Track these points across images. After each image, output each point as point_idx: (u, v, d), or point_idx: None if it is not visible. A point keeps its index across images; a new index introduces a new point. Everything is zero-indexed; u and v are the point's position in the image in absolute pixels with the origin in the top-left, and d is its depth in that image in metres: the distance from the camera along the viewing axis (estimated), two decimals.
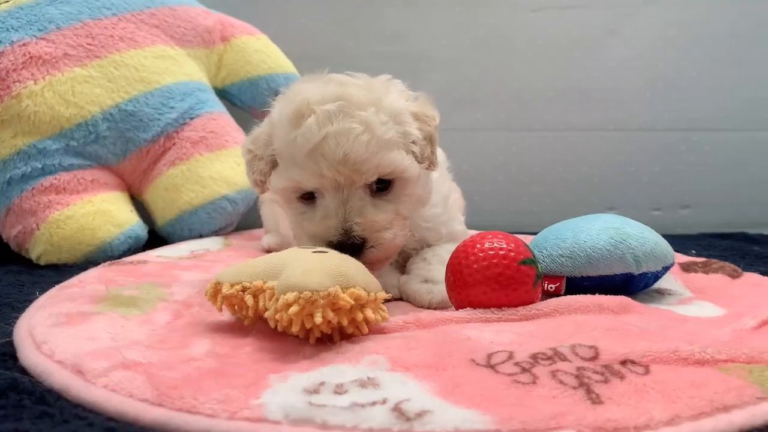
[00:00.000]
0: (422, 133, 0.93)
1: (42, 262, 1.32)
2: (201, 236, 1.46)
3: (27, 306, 0.92)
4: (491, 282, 0.80)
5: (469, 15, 1.82)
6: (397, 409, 0.54)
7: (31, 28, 1.36)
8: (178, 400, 0.57)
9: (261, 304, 0.72)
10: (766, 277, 1.03)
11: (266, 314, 0.70)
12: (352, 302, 0.69)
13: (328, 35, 1.81)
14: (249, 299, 0.72)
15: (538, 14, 1.81)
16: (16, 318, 0.87)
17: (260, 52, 1.64)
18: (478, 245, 0.83)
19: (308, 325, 0.67)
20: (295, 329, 0.67)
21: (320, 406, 0.55)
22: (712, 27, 1.80)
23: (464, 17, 1.82)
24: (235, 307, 0.76)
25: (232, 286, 0.74)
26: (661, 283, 1.01)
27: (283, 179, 0.90)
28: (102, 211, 1.35)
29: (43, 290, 0.98)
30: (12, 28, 1.35)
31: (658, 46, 1.81)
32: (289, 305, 0.66)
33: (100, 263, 1.21)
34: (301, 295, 0.66)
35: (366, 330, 0.72)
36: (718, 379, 0.61)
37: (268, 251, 1.32)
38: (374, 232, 0.86)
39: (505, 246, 0.82)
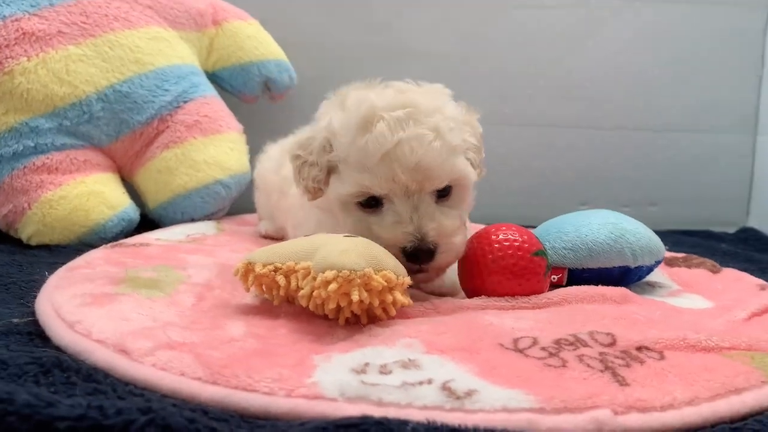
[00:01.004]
0: (475, 139, 0.95)
1: (33, 243, 1.30)
2: (193, 220, 1.46)
3: (33, 286, 0.92)
4: (506, 272, 0.85)
5: (453, 10, 1.85)
6: (446, 388, 0.58)
7: (23, 4, 1.33)
8: (232, 378, 0.59)
9: (293, 284, 0.74)
10: (744, 273, 1.11)
11: (301, 292, 0.72)
12: (384, 284, 0.72)
13: (316, 24, 1.82)
14: (281, 279, 0.75)
15: (520, 12, 1.86)
16: (30, 298, 0.87)
17: (252, 38, 1.63)
18: (493, 236, 0.87)
19: (343, 304, 0.70)
20: (331, 306, 0.70)
21: (373, 385, 0.58)
22: (684, 33, 1.88)
23: (449, 12, 1.85)
24: (264, 287, 0.78)
25: (264, 266, 0.76)
26: (650, 276, 1.07)
27: (348, 185, 0.88)
28: (95, 192, 1.33)
29: (44, 270, 0.98)
30: (3, 3, 1.32)
31: (634, 49, 1.88)
32: (327, 283, 0.69)
33: (92, 245, 1.21)
34: (340, 274, 0.69)
35: (394, 312, 0.75)
36: (726, 365, 0.67)
37: (266, 237, 1.34)
38: (445, 237, 0.87)
39: (519, 238, 0.86)
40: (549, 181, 1.91)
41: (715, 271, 1.13)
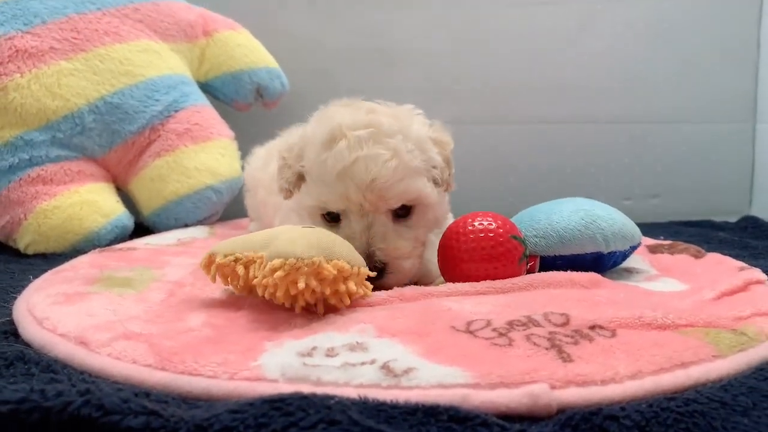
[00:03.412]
0: (441, 157, 0.97)
1: (30, 252, 1.34)
2: (186, 226, 1.49)
3: (20, 291, 0.95)
4: (482, 257, 0.88)
5: (446, 10, 1.87)
6: (385, 367, 0.59)
7: (16, 22, 1.38)
8: (180, 364, 0.61)
9: (252, 273, 0.76)
10: (726, 257, 1.09)
11: (254, 281, 0.74)
12: (335, 273, 0.73)
13: (308, 30, 1.84)
14: (240, 269, 0.77)
15: (512, 10, 1.86)
16: (13, 301, 0.90)
17: (242, 46, 1.67)
18: (469, 225, 0.90)
19: (293, 291, 0.71)
20: (279, 294, 0.71)
21: (314, 366, 0.59)
22: (679, 24, 1.87)
23: (441, 12, 1.86)
24: (228, 278, 0.80)
25: (225, 256, 0.78)
26: (629, 263, 1.06)
27: (310, 197, 0.93)
28: (89, 201, 1.37)
29: (35, 276, 1.01)
30: None
31: (628, 42, 1.87)
32: (274, 270, 0.70)
33: (87, 252, 1.24)
34: (287, 262, 0.70)
35: (348, 301, 0.76)
36: (678, 341, 0.67)
37: None
38: (395, 258, 0.89)
39: (494, 223, 0.89)
40: (547, 178, 1.91)
41: (698, 257, 1.12)
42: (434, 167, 0.95)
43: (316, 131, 0.93)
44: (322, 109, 1.00)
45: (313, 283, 0.71)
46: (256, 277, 0.74)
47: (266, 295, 0.73)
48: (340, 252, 0.76)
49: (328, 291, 0.73)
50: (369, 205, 0.88)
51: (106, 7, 1.48)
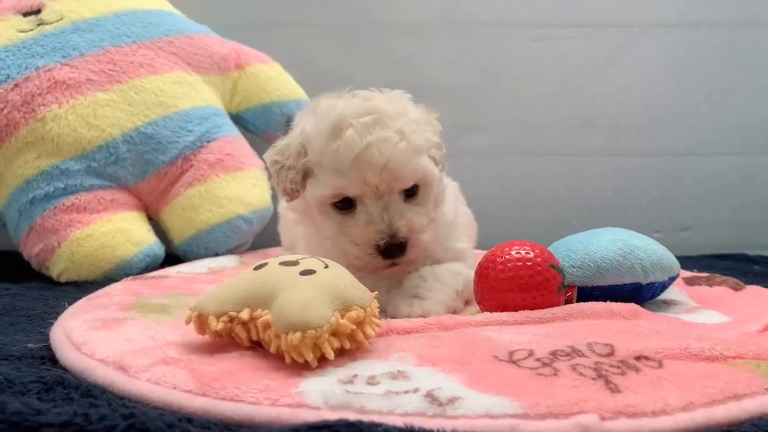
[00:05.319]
0: (436, 137, 1.01)
1: (62, 280, 1.35)
2: (217, 255, 1.49)
3: (54, 317, 0.95)
4: (520, 287, 0.87)
5: (472, 45, 1.88)
6: (430, 396, 0.58)
7: (55, 55, 1.42)
8: (221, 390, 0.60)
9: (253, 334, 0.71)
10: (766, 289, 1.07)
11: (271, 350, 0.69)
12: (354, 327, 0.68)
13: (337, 64, 1.86)
14: (240, 331, 0.71)
15: (538, 44, 1.88)
16: (48, 327, 0.90)
17: (274, 79, 1.69)
18: (507, 249, 0.90)
19: (317, 355, 0.66)
20: (300, 360, 0.66)
21: (357, 394, 0.58)
22: (707, 56, 1.87)
23: (468, 47, 1.88)
24: (224, 335, 0.73)
25: (218, 318, 0.71)
26: (667, 295, 1.04)
27: (324, 187, 0.96)
28: (121, 229, 1.38)
29: (69, 303, 1.01)
30: (37, 55, 1.41)
31: (655, 74, 1.87)
32: (296, 347, 0.65)
33: (118, 280, 1.24)
34: (306, 335, 0.64)
35: (367, 345, 0.72)
36: (728, 372, 0.65)
37: None
38: (415, 233, 0.94)
39: (531, 252, 0.88)
40: (576, 210, 1.89)
41: (737, 289, 1.09)
42: (431, 147, 0.99)
43: (318, 125, 0.96)
44: (310, 105, 1.05)
45: (335, 345, 0.67)
46: (262, 339, 0.70)
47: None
48: (352, 294, 0.71)
49: (347, 345, 0.68)
50: (385, 186, 0.93)
51: (141, 41, 1.52)
